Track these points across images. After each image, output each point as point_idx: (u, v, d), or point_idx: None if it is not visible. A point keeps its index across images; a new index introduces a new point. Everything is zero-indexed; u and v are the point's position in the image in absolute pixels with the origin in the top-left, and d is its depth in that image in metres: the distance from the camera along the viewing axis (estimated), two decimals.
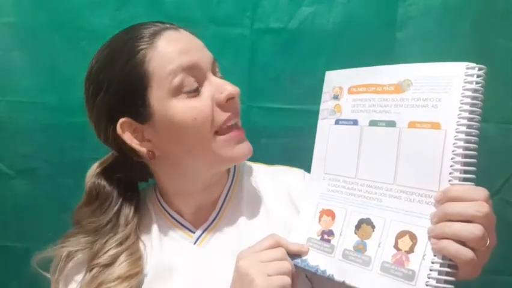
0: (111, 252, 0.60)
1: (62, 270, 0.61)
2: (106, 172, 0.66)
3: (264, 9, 0.95)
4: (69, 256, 0.61)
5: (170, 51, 0.58)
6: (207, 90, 0.59)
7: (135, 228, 0.64)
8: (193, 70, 0.58)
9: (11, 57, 0.97)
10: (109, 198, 0.64)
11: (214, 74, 0.62)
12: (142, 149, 0.61)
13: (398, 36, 0.92)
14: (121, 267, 0.59)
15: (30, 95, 0.98)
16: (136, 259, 0.61)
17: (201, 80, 0.59)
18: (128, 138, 0.60)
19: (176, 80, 0.57)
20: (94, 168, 0.67)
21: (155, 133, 0.60)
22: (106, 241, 0.61)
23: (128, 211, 0.64)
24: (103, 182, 0.65)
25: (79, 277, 0.61)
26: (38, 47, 0.97)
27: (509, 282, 0.94)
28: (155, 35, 0.59)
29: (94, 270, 0.59)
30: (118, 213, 0.64)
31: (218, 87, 0.59)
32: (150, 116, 0.59)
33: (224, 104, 0.59)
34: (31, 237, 0.98)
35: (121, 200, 0.65)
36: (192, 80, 0.58)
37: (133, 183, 0.69)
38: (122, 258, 0.60)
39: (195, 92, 0.58)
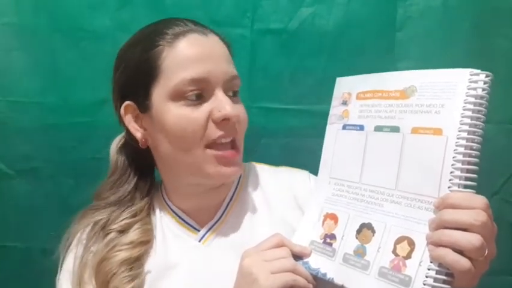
0: (126, 221, 0.65)
1: (91, 237, 0.64)
2: (124, 148, 0.69)
3: (264, 9, 0.95)
4: (96, 224, 0.65)
5: (186, 56, 0.58)
6: (208, 104, 0.59)
7: (148, 205, 0.67)
8: (200, 82, 0.58)
9: (11, 57, 0.96)
10: (127, 171, 0.68)
11: (227, 90, 0.60)
12: (137, 134, 0.63)
13: (398, 36, 0.92)
14: (134, 234, 0.64)
15: (30, 95, 0.97)
16: (148, 229, 0.65)
17: (207, 93, 0.59)
18: (128, 120, 0.63)
19: (180, 87, 0.57)
20: (116, 142, 0.70)
21: (152, 125, 0.61)
22: (123, 211, 0.66)
23: (143, 187, 0.68)
24: (123, 157, 0.69)
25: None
26: (38, 47, 0.96)
27: (509, 282, 0.93)
28: (178, 34, 0.59)
29: (111, 235, 0.64)
30: (136, 186, 0.68)
31: (218, 104, 0.58)
32: (149, 108, 0.60)
33: (219, 123, 0.58)
34: (31, 237, 0.98)
35: (137, 176, 0.68)
36: (195, 89, 0.58)
37: (149, 165, 0.69)
38: (136, 226, 0.65)
39: (195, 102, 0.58)
